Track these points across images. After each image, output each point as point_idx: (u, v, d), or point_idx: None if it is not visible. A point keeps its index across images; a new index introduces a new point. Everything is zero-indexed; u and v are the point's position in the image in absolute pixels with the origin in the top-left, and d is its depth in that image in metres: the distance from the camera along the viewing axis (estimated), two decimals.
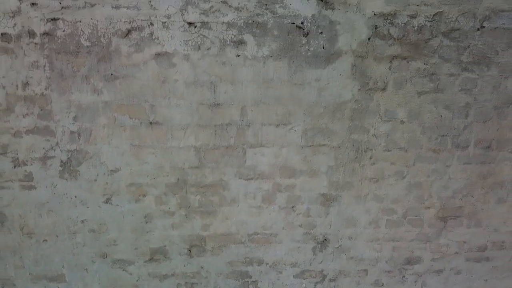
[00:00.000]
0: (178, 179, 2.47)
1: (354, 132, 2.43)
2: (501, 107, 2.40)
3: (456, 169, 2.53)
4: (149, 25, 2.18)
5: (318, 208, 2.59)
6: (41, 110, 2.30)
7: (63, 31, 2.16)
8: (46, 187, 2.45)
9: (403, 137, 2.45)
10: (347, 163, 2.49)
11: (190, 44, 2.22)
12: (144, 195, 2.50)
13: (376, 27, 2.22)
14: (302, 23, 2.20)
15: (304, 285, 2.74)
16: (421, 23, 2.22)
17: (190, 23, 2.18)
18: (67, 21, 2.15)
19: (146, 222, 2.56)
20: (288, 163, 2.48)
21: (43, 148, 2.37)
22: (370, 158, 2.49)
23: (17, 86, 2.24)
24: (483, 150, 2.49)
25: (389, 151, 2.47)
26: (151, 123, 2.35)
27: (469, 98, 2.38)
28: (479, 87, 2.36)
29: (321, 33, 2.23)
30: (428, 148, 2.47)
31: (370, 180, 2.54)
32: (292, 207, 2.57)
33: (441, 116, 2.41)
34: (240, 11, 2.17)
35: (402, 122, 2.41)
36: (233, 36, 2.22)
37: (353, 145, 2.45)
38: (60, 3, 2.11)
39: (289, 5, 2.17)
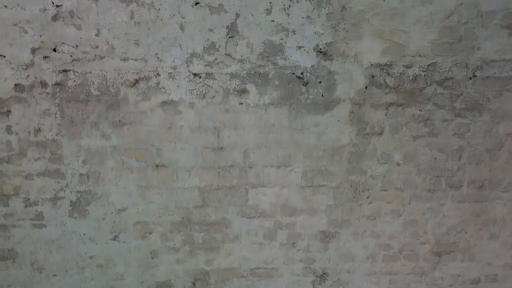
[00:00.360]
0: (183, 218, 2.58)
1: (352, 174, 2.53)
2: (493, 149, 2.50)
3: (450, 207, 2.63)
4: (156, 76, 2.28)
5: (318, 244, 2.69)
6: (52, 154, 2.40)
7: (74, 81, 2.27)
8: (56, 225, 2.55)
9: (399, 178, 2.55)
10: (345, 202, 2.59)
11: (195, 93, 2.32)
12: (150, 233, 2.60)
13: (373, 76, 2.33)
14: (302, 73, 2.31)
15: None
16: (416, 73, 2.33)
17: (195, 74, 2.28)
18: (78, 72, 2.25)
19: (152, 258, 2.66)
20: (289, 202, 2.58)
21: (54, 190, 2.47)
22: (368, 197, 2.59)
23: (29, 132, 2.35)
24: (476, 189, 2.59)
25: (385, 191, 2.57)
26: (157, 165, 2.46)
27: (462, 141, 2.48)
28: (471, 132, 2.46)
29: (320, 82, 2.33)
30: (423, 188, 2.57)
31: (368, 218, 2.64)
32: (293, 243, 2.67)
33: (435, 158, 2.51)
34: (243, 62, 2.27)
35: (398, 164, 2.51)
36: (236, 85, 2.32)
37: (351, 186, 2.56)
38: (71, 56, 2.22)
39: (290, 57, 2.27)
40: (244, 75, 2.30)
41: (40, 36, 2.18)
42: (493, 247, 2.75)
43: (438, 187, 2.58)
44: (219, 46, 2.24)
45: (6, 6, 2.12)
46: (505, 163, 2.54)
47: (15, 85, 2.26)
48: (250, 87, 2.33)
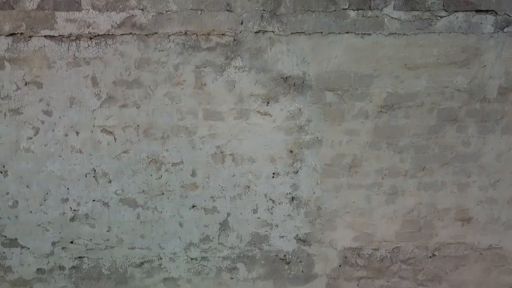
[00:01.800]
0: None
1: None
2: None
3: None
4: (158, 259, 2.65)
5: None
6: None
7: (88, 265, 2.63)
8: None
9: None
10: None
11: (192, 271, 2.69)
12: None
13: (345, 257, 2.69)
14: (284, 255, 2.68)
15: None
16: (382, 255, 2.70)
17: (192, 258, 2.65)
18: (91, 258, 2.62)
19: None
20: None
21: None
22: None
23: None
24: None
25: None
26: None
27: None
28: None
29: (301, 261, 2.70)
30: None
31: None
32: None
33: None
34: (234, 249, 2.64)
35: None
36: (227, 264, 2.68)
37: None
38: (86, 246, 2.58)
39: (274, 244, 2.65)
40: (235, 257, 2.67)
41: (60, 233, 2.54)
42: None
43: None
44: (213, 237, 2.61)
45: (31, 212, 2.49)
46: None
47: (37, 269, 2.62)
48: (240, 265, 2.69)
